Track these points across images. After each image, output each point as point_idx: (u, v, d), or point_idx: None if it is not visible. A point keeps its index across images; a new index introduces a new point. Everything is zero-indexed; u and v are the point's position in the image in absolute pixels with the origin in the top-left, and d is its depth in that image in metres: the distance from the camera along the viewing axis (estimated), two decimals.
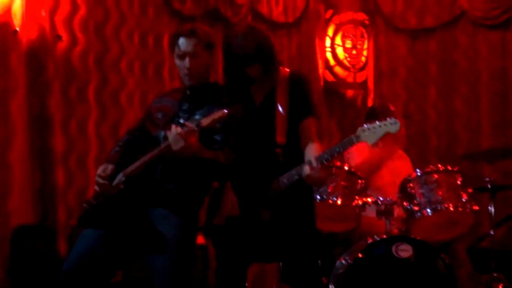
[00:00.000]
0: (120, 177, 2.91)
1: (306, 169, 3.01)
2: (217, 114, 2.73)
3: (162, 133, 2.94)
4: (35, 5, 4.18)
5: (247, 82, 3.23)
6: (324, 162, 3.05)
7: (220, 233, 3.26)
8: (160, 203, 2.91)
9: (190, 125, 2.72)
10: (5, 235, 3.97)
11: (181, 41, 3.01)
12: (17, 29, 4.09)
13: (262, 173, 3.20)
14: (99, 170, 3.00)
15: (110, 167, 2.99)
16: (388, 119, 3.04)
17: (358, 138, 3.04)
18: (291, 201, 3.21)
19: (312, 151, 3.12)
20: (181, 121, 2.94)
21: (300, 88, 3.26)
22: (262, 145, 3.23)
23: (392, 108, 4.41)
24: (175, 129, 2.71)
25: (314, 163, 3.00)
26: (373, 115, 4.33)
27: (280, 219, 3.19)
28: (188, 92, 3.10)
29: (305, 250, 3.23)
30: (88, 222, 2.89)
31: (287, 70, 3.32)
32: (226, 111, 2.75)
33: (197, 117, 2.90)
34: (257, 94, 3.26)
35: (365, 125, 3.04)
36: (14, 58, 4.11)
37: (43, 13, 4.23)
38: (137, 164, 2.89)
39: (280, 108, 3.21)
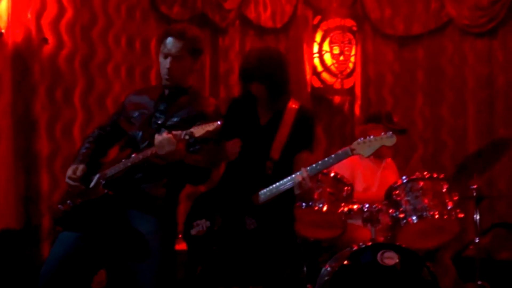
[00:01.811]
0: (97, 179, 2.90)
1: (298, 178, 3.07)
2: (211, 126, 2.74)
3: (139, 134, 2.99)
4: (21, 7, 4.15)
5: (251, 99, 3.33)
6: (316, 173, 3.12)
7: (197, 244, 3.30)
8: (139, 205, 2.90)
9: (179, 133, 2.73)
10: None
11: (169, 40, 3.01)
12: (3, 31, 4.07)
13: (249, 183, 3.24)
14: (69, 172, 2.99)
15: (80, 167, 2.98)
16: (383, 133, 3.14)
17: (353, 151, 3.10)
18: (275, 212, 3.24)
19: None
20: (159, 122, 2.98)
21: (306, 124, 3.37)
22: (254, 157, 3.30)
23: (395, 119, 4.42)
24: (166, 135, 2.73)
25: (305, 173, 3.07)
26: (376, 119, 4.36)
27: (264, 229, 3.21)
28: (166, 92, 3.11)
29: (287, 260, 3.26)
30: (67, 224, 2.87)
31: (298, 103, 3.41)
32: (219, 123, 2.76)
33: (175, 119, 2.96)
34: (263, 115, 3.36)
35: (360, 139, 3.12)
36: (0, 60, 4.09)
37: (29, 16, 4.20)
38: (119, 167, 2.89)
39: (281, 133, 3.30)
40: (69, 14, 4.41)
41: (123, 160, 2.91)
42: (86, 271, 2.93)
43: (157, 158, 2.80)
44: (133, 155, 2.89)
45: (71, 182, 2.97)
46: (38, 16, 4.26)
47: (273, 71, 3.28)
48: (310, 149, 3.39)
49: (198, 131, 2.73)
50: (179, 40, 3.00)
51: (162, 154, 2.75)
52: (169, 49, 3.00)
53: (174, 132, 2.75)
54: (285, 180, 3.18)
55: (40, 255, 4.12)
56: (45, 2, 4.29)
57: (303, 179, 3.07)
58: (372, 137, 3.11)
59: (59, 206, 2.94)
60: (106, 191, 2.86)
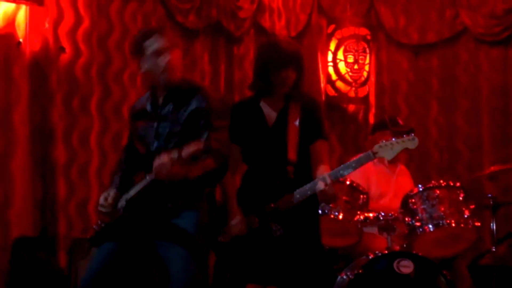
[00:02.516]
0: (122, 201, 2.94)
1: (320, 185, 3.03)
2: (194, 147, 2.70)
3: (150, 153, 2.95)
4: (39, 16, 4.19)
5: (253, 101, 3.29)
6: (339, 178, 3.11)
7: (225, 250, 3.28)
8: (166, 237, 2.92)
9: (173, 156, 2.71)
10: (5, 246, 3.96)
11: (155, 38, 2.89)
12: (21, 40, 4.11)
13: (273, 189, 3.21)
14: (101, 199, 2.98)
15: (111, 193, 2.98)
16: (405, 136, 3.09)
17: (375, 154, 3.07)
18: (300, 218, 3.22)
19: (322, 171, 3.15)
20: (167, 130, 2.94)
21: (313, 110, 3.30)
22: (273, 162, 3.25)
23: (400, 122, 4.43)
24: (158, 160, 2.73)
25: (328, 180, 3.03)
26: (382, 126, 4.36)
27: (290, 235, 3.18)
28: (166, 92, 2.97)
29: (314, 267, 3.23)
30: (100, 239, 2.91)
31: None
32: (201, 143, 2.73)
33: (181, 120, 2.92)
34: (269, 110, 3.29)
35: (383, 141, 3.08)
36: (17, 69, 4.13)
37: (47, 25, 4.24)
38: (136, 189, 2.91)
39: (291, 131, 3.24)
40: (86, 23, 4.45)
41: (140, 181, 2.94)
42: (121, 278, 2.95)
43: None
44: (147, 177, 2.87)
45: (103, 210, 2.97)
46: (56, 26, 4.30)
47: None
48: (325, 136, 3.32)
49: (185, 153, 2.69)
50: (164, 34, 2.92)
51: (164, 178, 2.76)
52: (162, 44, 2.88)
53: (168, 156, 2.71)
54: (308, 185, 3.13)
55: (56, 262, 4.14)
56: (62, 11, 4.33)
57: (326, 185, 3.02)
58: (394, 140, 3.07)
59: (94, 226, 3.00)
60: (121, 212, 2.94)
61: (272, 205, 3.19)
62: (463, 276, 4.22)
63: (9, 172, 4.05)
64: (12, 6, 4.03)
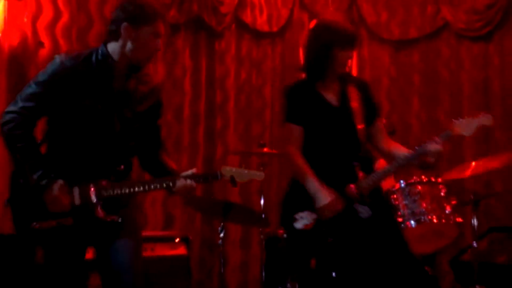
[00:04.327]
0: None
1: (434, 145, 3.05)
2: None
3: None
4: (17, 11, 4.16)
5: (309, 83, 3.24)
6: (445, 139, 3.11)
7: (307, 237, 3.15)
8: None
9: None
10: None
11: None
12: (0, 34, 4.07)
13: (348, 170, 3.16)
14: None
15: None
16: (480, 114, 3.15)
17: (454, 131, 3.10)
18: (381, 198, 3.23)
19: (396, 145, 3.25)
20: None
21: (368, 91, 3.31)
22: (344, 143, 3.20)
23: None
24: (189, 183, 2.79)
25: (439, 140, 3.07)
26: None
27: (379, 216, 3.12)
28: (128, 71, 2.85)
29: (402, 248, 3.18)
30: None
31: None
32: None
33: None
34: (328, 93, 3.25)
35: (459, 119, 3.11)
36: None
37: (25, 19, 4.21)
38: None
39: (356, 108, 3.22)
40: (65, 17, 4.42)
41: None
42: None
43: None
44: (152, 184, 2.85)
45: None
46: (34, 20, 4.27)
47: None
48: (381, 115, 3.37)
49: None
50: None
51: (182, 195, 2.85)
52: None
53: (199, 179, 2.81)
54: (408, 154, 3.12)
55: (34, 258, 4.10)
56: (41, 5, 4.29)
57: (438, 144, 3.06)
58: (469, 117, 3.11)
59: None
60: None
61: (353, 186, 3.11)
62: (445, 272, 4.26)
63: None
64: None
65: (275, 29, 5.86)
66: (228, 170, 2.83)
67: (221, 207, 4.03)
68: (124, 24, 2.75)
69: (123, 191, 2.79)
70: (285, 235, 3.55)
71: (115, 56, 2.78)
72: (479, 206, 4.30)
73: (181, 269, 4.20)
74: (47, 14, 4.32)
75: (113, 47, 2.79)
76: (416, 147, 3.10)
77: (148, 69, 2.96)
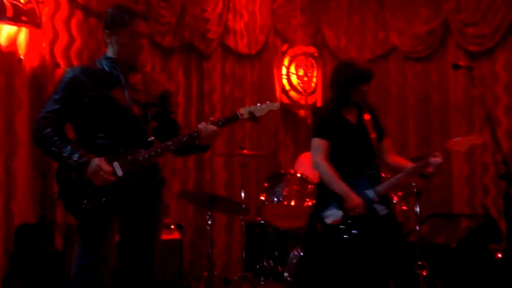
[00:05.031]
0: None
1: (436, 159, 3.09)
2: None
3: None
4: (37, 37, 4.14)
5: (336, 106, 3.27)
6: (444, 154, 3.13)
7: (335, 231, 3.16)
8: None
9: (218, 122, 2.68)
10: (10, 232, 3.90)
11: (137, 22, 2.61)
12: (22, 57, 4.05)
13: (367, 177, 3.22)
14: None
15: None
16: (472, 135, 3.35)
17: (451, 148, 3.13)
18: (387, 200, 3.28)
19: (400, 160, 3.32)
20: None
21: (377, 115, 3.38)
22: (363, 156, 3.25)
23: None
24: (212, 128, 2.64)
25: (440, 154, 3.10)
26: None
27: (393, 214, 3.22)
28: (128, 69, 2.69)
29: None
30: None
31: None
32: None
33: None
34: (349, 116, 3.31)
35: (457, 138, 3.15)
36: (19, 82, 4.07)
37: (44, 44, 4.19)
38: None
39: (370, 128, 3.29)
40: (78, 43, 4.41)
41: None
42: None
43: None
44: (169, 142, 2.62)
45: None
46: (52, 45, 4.25)
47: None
48: (388, 134, 3.42)
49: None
50: (145, 20, 2.67)
51: (208, 143, 2.67)
52: (141, 30, 2.62)
53: (217, 122, 2.63)
54: (412, 167, 3.17)
55: (54, 245, 4.08)
56: (58, 33, 4.28)
57: (442, 159, 3.09)
58: (464, 137, 3.18)
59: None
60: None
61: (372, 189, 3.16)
62: None
63: (12, 169, 3.99)
64: (14, 28, 3.97)
65: (253, 52, 5.88)
66: (246, 109, 2.66)
67: (208, 199, 4.05)
68: (105, 31, 2.65)
69: (157, 151, 2.60)
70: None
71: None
72: (421, 197, 4.31)
73: (175, 251, 4.21)
74: (63, 40, 4.30)
75: (108, 52, 2.68)
76: (420, 160, 3.16)
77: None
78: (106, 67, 2.65)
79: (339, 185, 3.14)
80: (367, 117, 3.30)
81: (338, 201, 3.14)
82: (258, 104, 2.71)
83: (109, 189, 2.52)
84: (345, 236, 3.11)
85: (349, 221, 3.12)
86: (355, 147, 3.24)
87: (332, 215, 3.14)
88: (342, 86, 3.24)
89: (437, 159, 3.07)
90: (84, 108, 2.58)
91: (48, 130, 2.53)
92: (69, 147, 2.50)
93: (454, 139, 3.14)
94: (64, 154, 2.49)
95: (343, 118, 3.28)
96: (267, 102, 2.75)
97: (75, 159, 2.47)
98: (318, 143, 3.22)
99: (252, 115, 2.65)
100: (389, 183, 3.20)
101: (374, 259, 3.14)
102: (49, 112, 2.57)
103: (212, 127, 2.61)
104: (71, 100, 2.57)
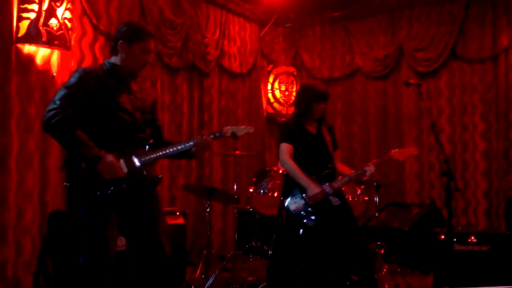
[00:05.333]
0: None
1: (370, 168, 3.11)
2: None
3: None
4: (67, 58, 4.11)
5: (316, 113, 3.28)
6: (379, 165, 3.16)
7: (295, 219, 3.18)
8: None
9: (212, 136, 2.62)
10: (44, 219, 3.88)
11: (151, 40, 2.56)
12: (54, 74, 4.02)
13: (322, 176, 3.24)
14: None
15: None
16: (410, 147, 3.28)
17: (391, 157, 3.15)
18: (341, 194, 3.30)
19: (346, 168, 3.32)
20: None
21: (333, 130, 3.42)
22: (320, 160, 3.28)
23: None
24: (206, 139, 2.56)
25: (373, 166, 3.13)
26: None
27: (344, 205, 3.21)
28: (132, 79, 2.62)
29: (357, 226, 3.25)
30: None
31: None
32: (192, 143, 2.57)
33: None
34: (310, 127, 3.34)
35: (397, 149, 3.15)
36: (52, 95, 3.97)
37: (73, 64, 4.16)
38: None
39: (328, 140, 3.32)
40: (100, 62, 4.39)
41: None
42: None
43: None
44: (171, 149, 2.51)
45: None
46: (79, 64, 4.21)
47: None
48: (339, 147, 3.43)
49: (238, 131, 2.64)
50: (155, 41, 2.65)
51: (200, 153, 2.58)
52: (150, 47, 2.55)
53: (209, 137, 2.57)
54: (356, 172, 3.18)
55: (81, 232, 4.04)
56: (84, 54, 4.25)
57: (375, 169, 3.11)
58: (403, 149, 3.17)
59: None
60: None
61: (328, 184, 3.18)
62: None
63: (47, 167, 3.96)
64: (48, 50, 3.95)
65: (244, 71, 5.90)
66: (229, 129, 2.67)
67: (207, 191, 4.05)
68: (120, 41, 2.53)
69: (158, 154, 2.49)
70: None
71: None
72: (380, 189, 4.36)
73: (180, 233, 4.20)
74: (88, 60, 4.28)
75: (114, 59, 2.56)
76: (360, 169, 3.19)
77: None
78: (112, 73, 2.52)
79: (302, 177, 3.18)
80: (325, 130, 3.36)
81: (301, 192, 3.20)
82: (241, 126, 2.73)
83: (116, 182, 2.38)
84: (304, 221, 3.17)
85: (309, 209, 3.17)
86: (314, 151, 3.29)
87: (295, 203, 3.19)
88: (305, 103, 3.29)
89: (370, 169, 3.12)
90: (90, 106, 2.41)
91: (66, 119, 2.31)
92: (85, 139, 2.32)
93: (395, 150, 3.16)
94: (82, 145, 2.30)
95: (305, 129, 3.33)
96: (246, 126, 2.77)
97: (92, 153, 2.31)
98: (284, 146, 3.28)
99: (233, 134, 2.68)
100: (340, 181, 3.24)
101: (329, 240, 3.20)
102: (63, 103, 2.34)
103: (208, 140, 2.56)
104: (81, 95, 2.39)
